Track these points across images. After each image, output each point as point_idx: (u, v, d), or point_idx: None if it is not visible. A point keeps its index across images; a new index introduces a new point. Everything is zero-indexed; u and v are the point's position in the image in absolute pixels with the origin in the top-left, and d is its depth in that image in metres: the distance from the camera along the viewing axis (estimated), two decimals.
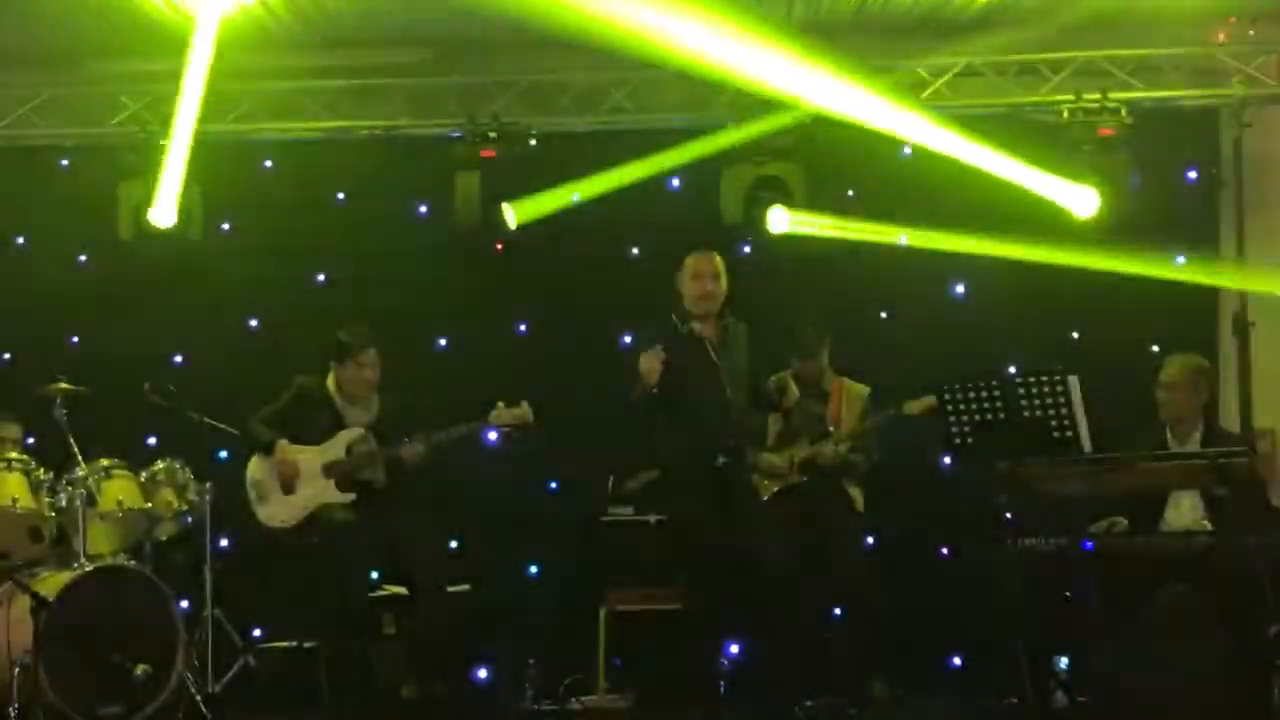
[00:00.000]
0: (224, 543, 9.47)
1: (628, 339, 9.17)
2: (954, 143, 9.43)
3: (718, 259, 8.07)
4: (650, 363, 7.74)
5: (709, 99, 9.98)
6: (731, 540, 7.77)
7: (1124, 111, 9.59)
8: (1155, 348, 9.48)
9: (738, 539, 7.78)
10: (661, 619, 8.66)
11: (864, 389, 9.06)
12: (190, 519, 9.08)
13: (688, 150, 9.78)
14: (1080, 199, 9.55)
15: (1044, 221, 9.62)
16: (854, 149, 9.76)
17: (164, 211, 9.89)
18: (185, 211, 9.97)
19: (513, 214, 9.86)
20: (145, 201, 9.91)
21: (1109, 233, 9.54)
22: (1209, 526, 7.64)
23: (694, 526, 7.89)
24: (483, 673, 9.32)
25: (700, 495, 7.81)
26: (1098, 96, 9.61)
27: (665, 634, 8.59)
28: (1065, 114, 9.64)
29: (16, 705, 7.55)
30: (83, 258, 10.46)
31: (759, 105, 9.61)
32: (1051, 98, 9.78)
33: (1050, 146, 9.63)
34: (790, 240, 9.77)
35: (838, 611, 8.72)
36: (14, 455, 8.40)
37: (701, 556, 7.84)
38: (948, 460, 9.24)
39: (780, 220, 9.71)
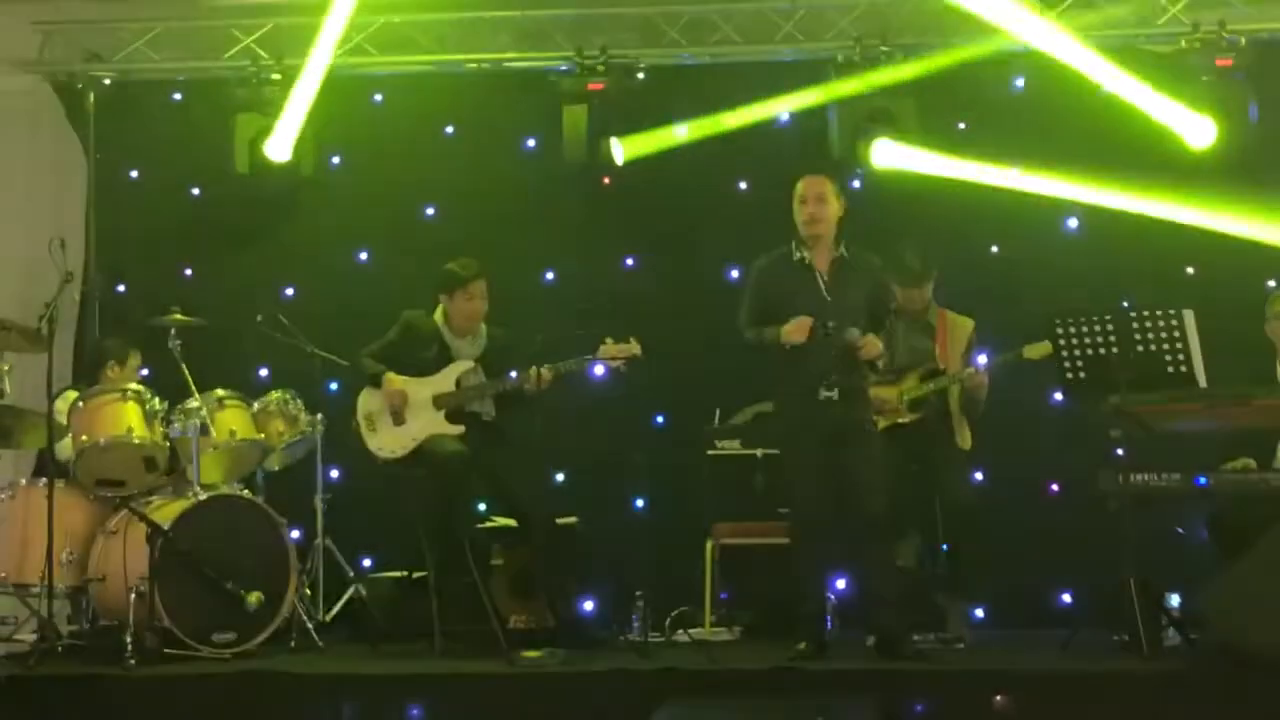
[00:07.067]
0: (334, 473, 9.61)
1: (735, 273, 9.16)
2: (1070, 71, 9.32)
3: (828, 183, 7.94)
4: (797, 331, 7.73)
5: (819, 30, 9.89)
6: (838, 474, 7.75)
7: (1243, 42, 9.40)
8: (1271, 283, 9.34)
9: (844, 473, 7.76)
10: (768, 552, 8.68)
11: (969, 321, 8.82)
12: (301, 449, 9.21)
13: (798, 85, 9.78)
14: (1197, 129, 9.37)
15: (1159, 156, 9.48)
16: (966, 80, 9.64)
17: (279, 146, 9.99)
18: (298, 146, 10.06)
19: (620, 149, 9.86)
20: (260, 135, 10.03)
21: (1225, 167, 9.38)
22: None
23: (800, 460, 7.87)
24: (589, 605, 9.37)
25: (807, 429, 7.79)
26: (1216, 27, 9.42)
27: (772, 568, 8.60)
28: (1183, 44, 9.45)
29: (133, 630, 7.70)
30: (195, 190, 10.54)
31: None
32: (1169, 28, 9.59)
33: (1166, 78, 9.44)
34: (899, 172, 9.67)
35: (945, 547, 8.66)
36: (129, 386, 8.51)
37: (808, 491, 7.83)
38: (1059, 395, 9.13)
39: (885, 154, 9.60)
